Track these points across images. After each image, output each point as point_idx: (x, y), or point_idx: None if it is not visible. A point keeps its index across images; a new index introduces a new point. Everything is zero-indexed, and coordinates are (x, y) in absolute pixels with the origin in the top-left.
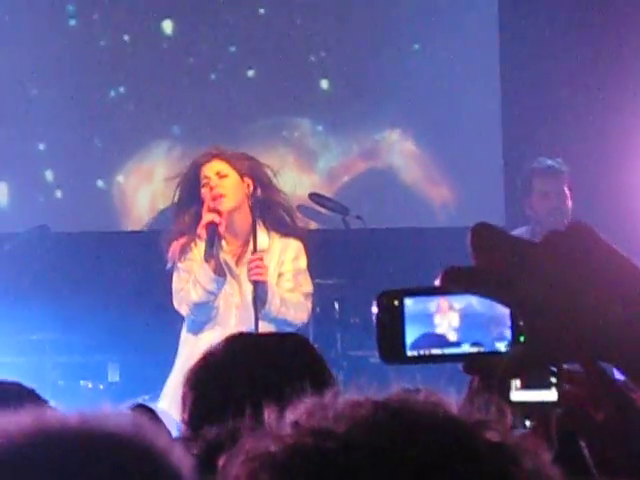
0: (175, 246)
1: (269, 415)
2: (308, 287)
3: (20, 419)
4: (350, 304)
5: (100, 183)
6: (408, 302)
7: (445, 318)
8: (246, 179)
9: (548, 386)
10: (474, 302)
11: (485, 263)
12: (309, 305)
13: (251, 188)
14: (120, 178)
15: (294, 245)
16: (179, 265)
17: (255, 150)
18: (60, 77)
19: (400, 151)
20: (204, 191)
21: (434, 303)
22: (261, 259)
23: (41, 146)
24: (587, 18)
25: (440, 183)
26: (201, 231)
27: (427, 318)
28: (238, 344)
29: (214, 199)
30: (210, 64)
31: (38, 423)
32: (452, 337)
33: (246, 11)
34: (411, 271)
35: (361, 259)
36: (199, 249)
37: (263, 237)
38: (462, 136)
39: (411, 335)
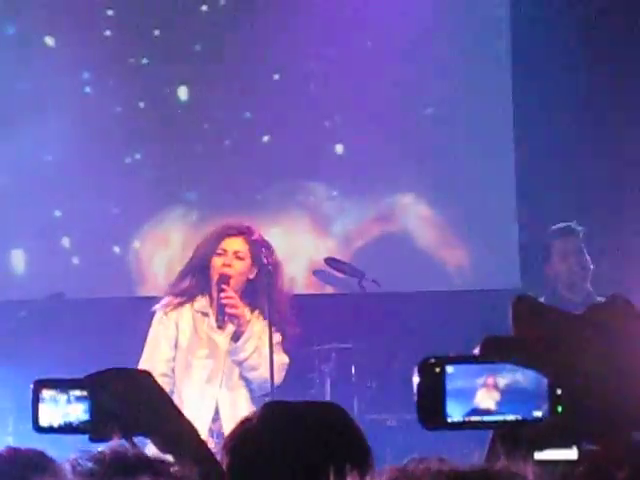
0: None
1: None
2: (285, 358)
3: None
4: (366, 368)
5: (116, 249)
6: (449, 369)
7: (488, 393)
8: (254, 268)
9: (570, 445)
10: (520, 376)
11: (525, 333)
12: (281, 374)
13: (254, 275)
14: (136, 244)
15: (275, 334)
16: (162, 317)
17: (270, 215)
18: (75, 143)
19: (414, 214)
20: (215, 260)
21: (481, 379)
22: (233, 298)
23: (57, 213)
24: (601, 72)
25: (455, 246)
26: (213, 285)
27: (471, 391)
28: (275, 412)
29: (221, 276)
30: (225, 130)
31: None
32: (492, 408)
33: (261, 77)
34: (428, 335)
35: (377, 323)
36: (186, 316)
37: (246, 311)
38: (476, 199)
39: (454, 406)
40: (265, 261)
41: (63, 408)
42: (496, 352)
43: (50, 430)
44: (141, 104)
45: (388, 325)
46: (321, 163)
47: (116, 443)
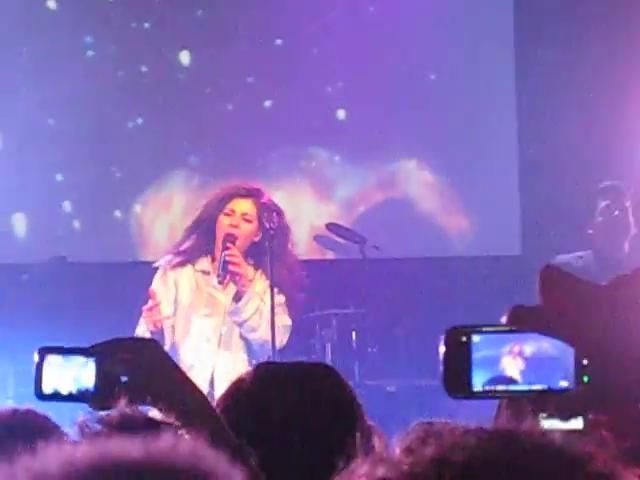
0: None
1: (379, 440)
2: (287, 320)
3: (84, 449)
4: (367, 333)
5: (118, 213)
6: (475, 338)
7: (513, 361)
8: (260, 231)
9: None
10: (546, 345)
11: (552, 304)
12: (284, 337)
13: (259, 238)
14: (138, 208)
15: (276, 288)
16: (162, 275)
17: (272, 180)
18: (77, 108)
19: (417, 180)
20: (222, 218)
21: (507, 347)
22: (237, 256)
23: (59, 177)
24: (607, 59)
25: (457, 212)
26: (219, 243)
27: (496, 359)
28: (267, 372)
29: (227, 236)
30: (227, 94)
31: (103, 455)
32: (518, 377)
33: (263, 42)
34: (429, 301)
35: (378, 289)
36: (186, 274)
37: (250, 270)
38: (478, 165)
39: (479, 375)
40: (271, 225)
41: (67, 375)
42: (522, 322)
43: (53, 397)
44: (143, 68)
45: (389, 291)
46: (323, 128)
47: (122, 407)
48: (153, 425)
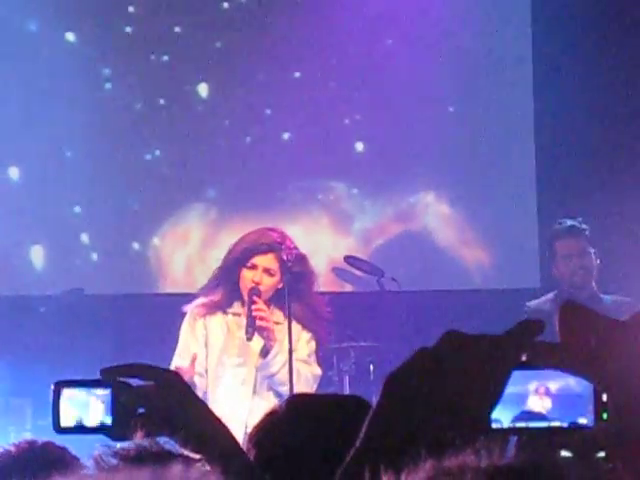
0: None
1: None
2: (317, 370)
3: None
4: (385, 366)
5: (136, 246)
6: None
7: (540, 401)
8: (283, 280)
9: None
10: (571, 382)
11: (571, 340)
12: (313, 387)
13: (281, 285)
14: (156, 241)
15: (307, 335)
16: (190, 319)
17: (290, 213)
18: (96, 140)
19: (434, 213)
20: (245, 272)
21: (532, 385)
22: (265, 311)
23: (77, 209)
24: (620, 75)
25: (475, 245)
26: (244, 293)
27: (522, 397)
28: (300, 404)
29: (251, 290)
30: (245, 127)
31: None
32: (543, 413)
33: (281, 74)
34: None
35: (396, 321)
36: (215, 318)
37: (279, 316)
38: (497, 198)
39: (506, 412)
40: (293, 272)
41: (84, 408)
42: (542, 358)
43: (71, 431)
44: (161, 101)
45: (407, 324)
46: (341, 161)
47: (139, 439)
48: (170, 457)
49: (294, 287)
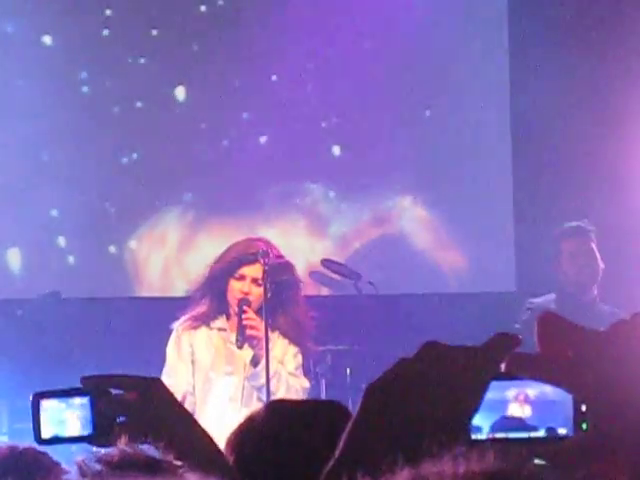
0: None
1: None
2: (306, 383)
3: None
4: (362, 370)
5: (112, 249)
6: None
7: (520, 408)
8: (270, 287)
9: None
10: (547, 389)
11: (550, 351)
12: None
13: (269, 295)
14: (132, 244)
15: (294, 349)
16: (175, 337)
17: (267, 216)
18: (72, 143)
19: (411, 217)
20: (233, 283)
21: (512, 392)
22: (255, 319)
23: (54, 212)
24: (599, 77)
25: (451, 249)
26: (233, 305)
27: (502, 405)
28: (279, 409)
29: (241, 300)
30: (222, 130)
31: None
32: (522, 422)
33: (258, 77)
34: (424, 337)
35: (373, 325)
36: (200, 334)
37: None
38: (473, 202)
39: (485, 419)
40: (277, 281)
41: (64, 418)
42: (520, 369)
43: (53, 442)
44: (138, 104)
45: (384, 327)
46: (318, 164)
47: (123, 445)
48: (153, 464)
49: (279, 297)
